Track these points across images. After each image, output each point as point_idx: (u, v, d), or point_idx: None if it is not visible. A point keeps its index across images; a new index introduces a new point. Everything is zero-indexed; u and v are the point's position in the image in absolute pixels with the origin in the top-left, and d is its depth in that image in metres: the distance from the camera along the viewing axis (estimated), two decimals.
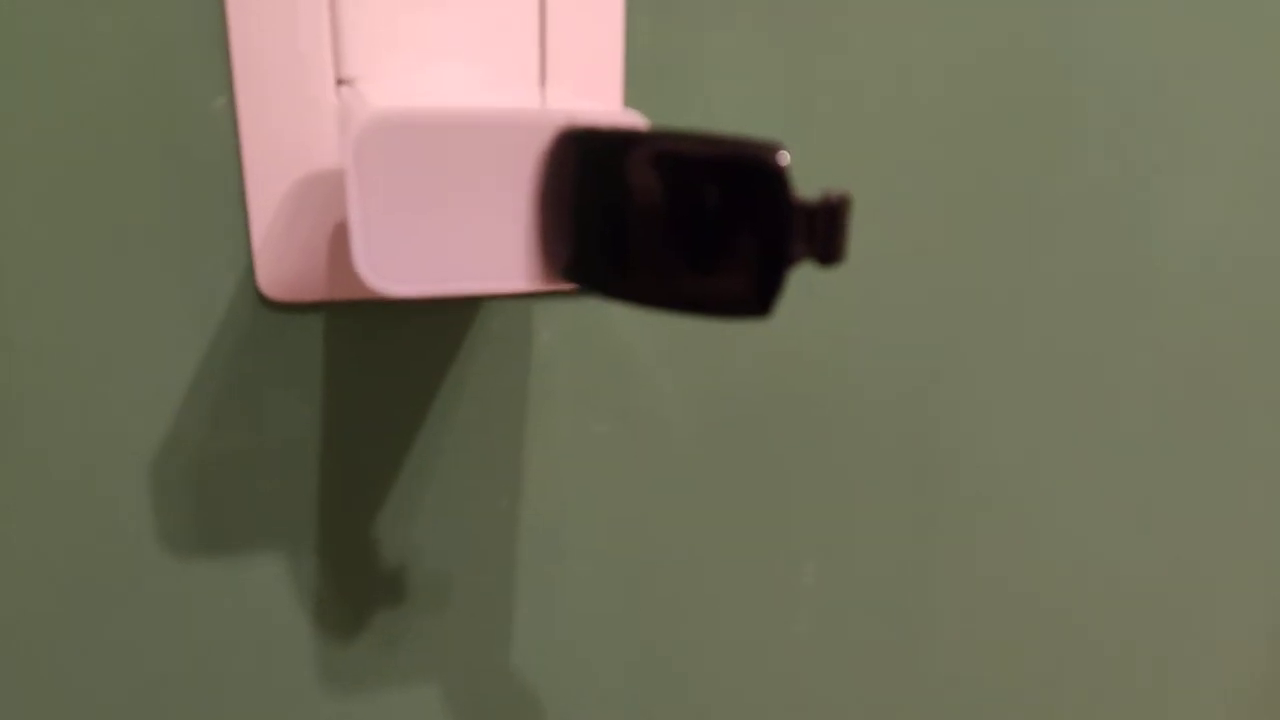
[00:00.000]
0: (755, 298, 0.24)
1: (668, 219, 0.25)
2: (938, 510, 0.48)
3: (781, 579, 0.47)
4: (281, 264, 0.35)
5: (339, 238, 0.35)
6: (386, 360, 0.38)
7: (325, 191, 0.35)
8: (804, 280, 0.42)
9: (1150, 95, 0.44)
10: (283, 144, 0.34)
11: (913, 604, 0.49)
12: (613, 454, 0.42)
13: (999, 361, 0.47)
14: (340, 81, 0.34)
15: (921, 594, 0.49)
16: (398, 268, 0.26)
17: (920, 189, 0.42)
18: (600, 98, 0.37)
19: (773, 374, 0.43)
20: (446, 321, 0.38)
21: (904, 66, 0.39)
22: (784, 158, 0.23)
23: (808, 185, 0.39)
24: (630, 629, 0.45)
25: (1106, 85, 0.43)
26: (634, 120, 0.27)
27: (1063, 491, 0.50)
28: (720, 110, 0.39)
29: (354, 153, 0.25)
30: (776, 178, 0.23)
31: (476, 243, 0.27)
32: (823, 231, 0.24)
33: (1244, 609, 0.57)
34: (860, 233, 0.41)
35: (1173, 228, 0.47)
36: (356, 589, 0.40)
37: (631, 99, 0.37)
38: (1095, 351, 0.48)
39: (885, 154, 0.40)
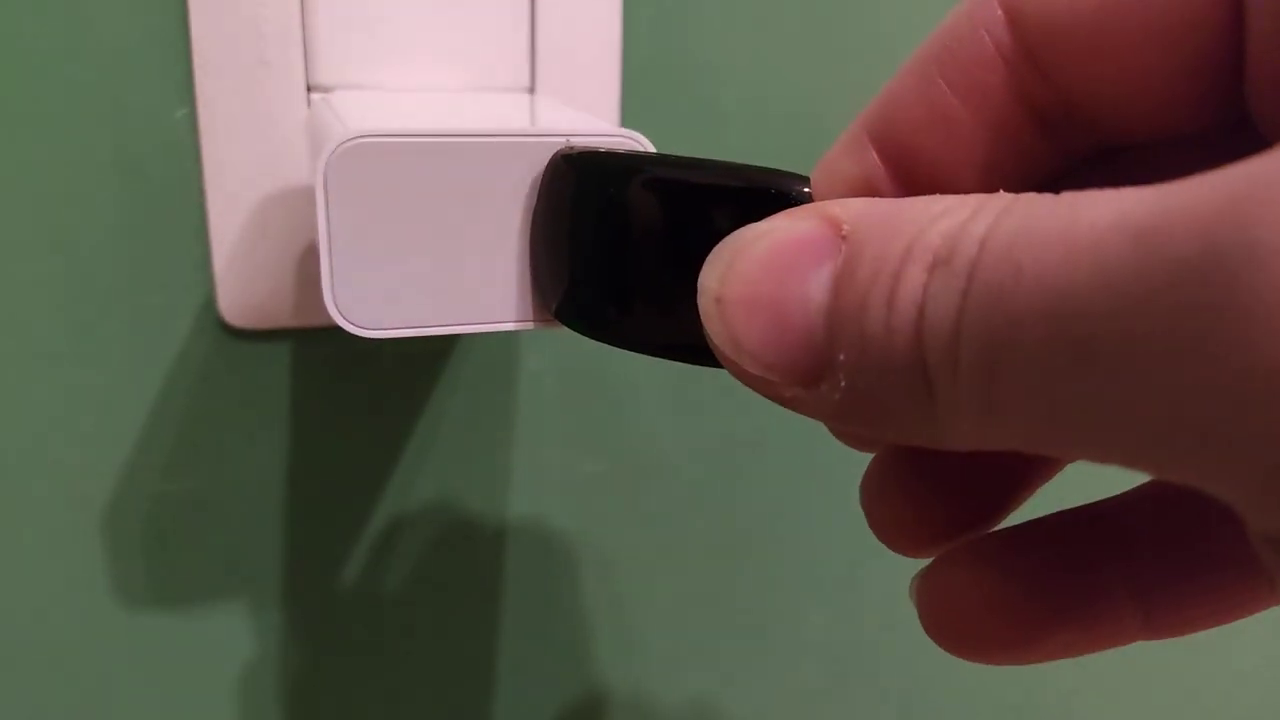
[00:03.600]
0: None
1: (675, 255, 0.22)
2: None
3: (786, 629, 0.44)
4: (245, 289, 0.32)
5: (308, 260, 0.32)
6: (359, 393, 0.35)
7: (293, 210, 0.32)
8: None
9: None
10: (248, 158, 0.31)
11: (924, 652, 0.47)
12: (607, 495, 0.39)
13: None
14: (312, 89, 0.31)
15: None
16: (372, 307, 0.23)
17: None
18: (595, 109, 0.34)
19: (780, 405, 0.40)
20: (425, 350, 0.35)
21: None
22: (808, 191, 0.21)
23: None
24: (623, 683, 0.43)
25: None
26: (637, 143, 0.24)
27: None
28: (728, 124, 0.36)
29: (324, 179, 0.22)
30: None
31: (460, 279, 0.24)
32: None
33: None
34: None
35: None
36: (325, 642, 0.38)
37: (629, 111, 0.35)
38: None
39: None
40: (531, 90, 0.33)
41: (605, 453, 0.39)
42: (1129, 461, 0.13)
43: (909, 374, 0.14)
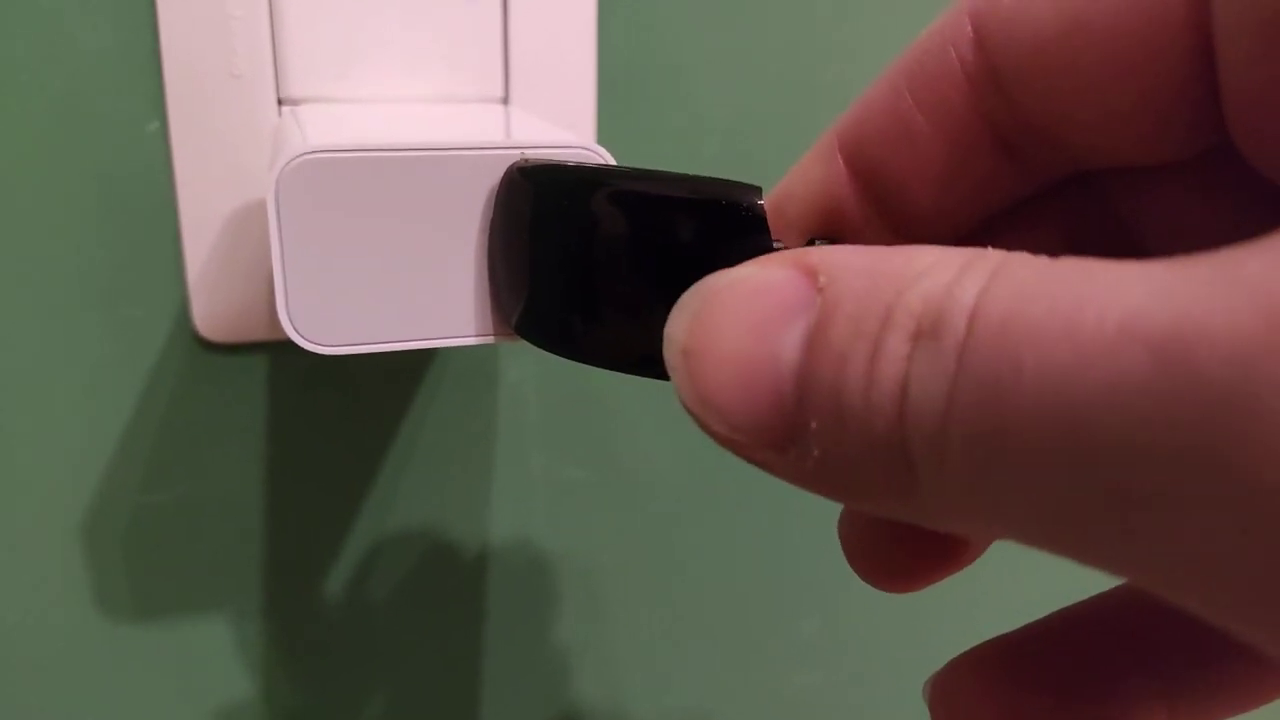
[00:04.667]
0: None
1: (629, 268, 0.22)
2: None
3: (779, 635, 0.44)
4: (219, 302, 0.32)
5: None
6: (337, 404, 0.35)
7: (265, 222, 0.32)
8: None
9: None
10: (220, 171, 0.31)
11: (917, 655, 0.47)
12: (589, 502, 0.39)
13: None
14: (283, 102, 0.31)
15: (925, 645, 0.46)
16: (328, 323, 0.23)
17: None
18: (570, 120, 0.34)
19: None
20: (403, 361, 0.35)
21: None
22: (760, 203, 0.20)
23: None
24: (609, 692, 0.42)
25: None
26: (596, 155, 0.24)
27: None
28: (703, 132, 0.36)
29: (276, 195, 0.22)
30: (754, 223, 0.20)
31: (418, 293, 0.24)
32: None
33: None
34: None
35: None
36: (306, 655, 0.38)
37: (605, 121, 0.34)
38: None
39: None
40: (505, 101, 0.33)
41: (587, 461, 0.39)
42: (1127, 577, 0.12)
43: (889, 453, 0.13)
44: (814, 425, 0.14)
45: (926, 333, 0.12)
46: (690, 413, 0.16)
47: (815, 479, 0.14)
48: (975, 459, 0.12)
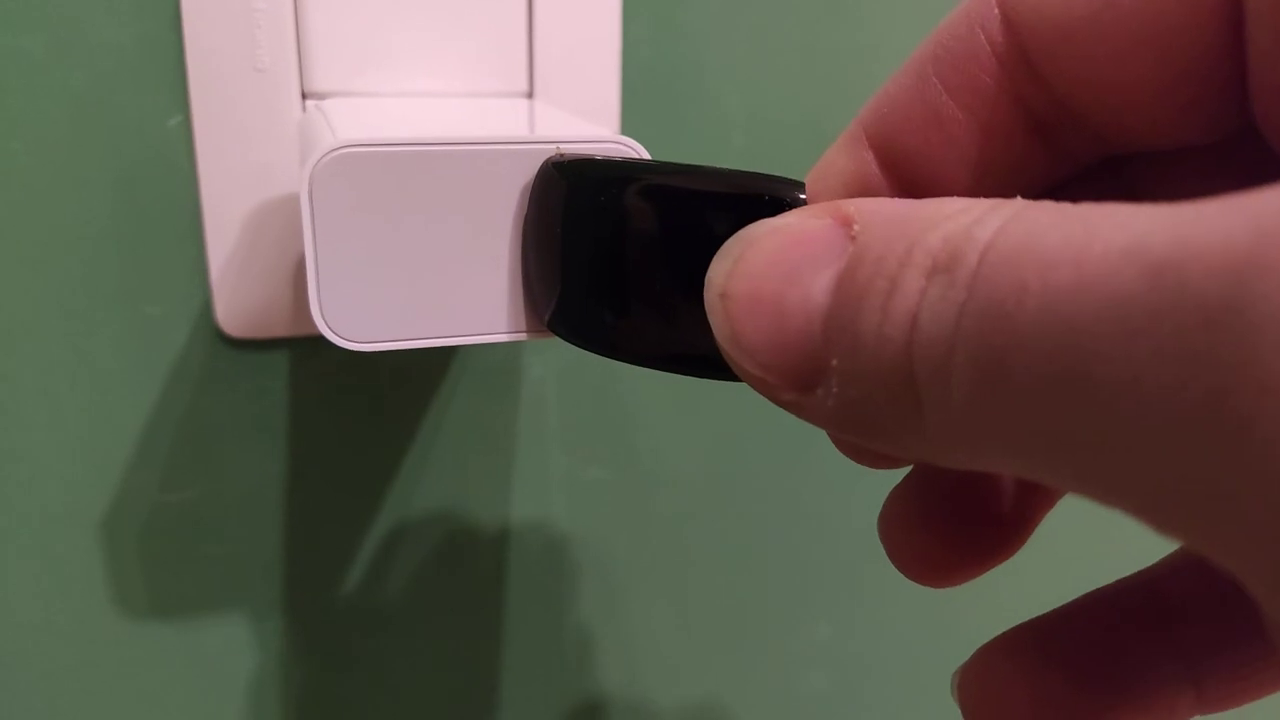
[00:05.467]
0: None
1: (666, 265, 0.22)
2: None
3: (794, 635, 0.44)
4: (242, 297, 0.32)
5: (305, 269, 0.32)
6: (359, 402, 0.35)
7: (289, 218, 0.32)
8: None
9: None
10: (243, 166, 0.31)
11: (932, 657, 0.46)
12: (608, 500, 0.39)
13: None
14: (307, 96, 0.31)
15: (940, 646, 0.46)
16: (360, 320, 0.23)
17: None
18: (595, 114, 0.33)
19: (785, 414, 0.40)
20: (425, 358, 0.35)
21: None
22: (803, 197, 0.20)
23: None
24: (626, 691, 0.42)
25: None
26: (630, 149, 0.23)
27: (1093, 538, 0.47)
28: (728, 126, 0.36)
29: (309, 190, 0.22)
30: None
31: (450, 289, 0.23)
32: None
33: None
34: None
35: None
36: (326, 652, 0.37)
37: (629, 116, 0.34)
38: None
39: None
40: (530, 96, 0.33)
41: (608, 460, 0.38)
42: (1128, 509, 0.12)
43: (897, 386, 0.13)
44: (835, 362, 0.14)
45: (941, 268, 0.13)
46: (726, 354, 0.16)
47: (835, 419, 0.15)
48: (979, 385, 0.12)
